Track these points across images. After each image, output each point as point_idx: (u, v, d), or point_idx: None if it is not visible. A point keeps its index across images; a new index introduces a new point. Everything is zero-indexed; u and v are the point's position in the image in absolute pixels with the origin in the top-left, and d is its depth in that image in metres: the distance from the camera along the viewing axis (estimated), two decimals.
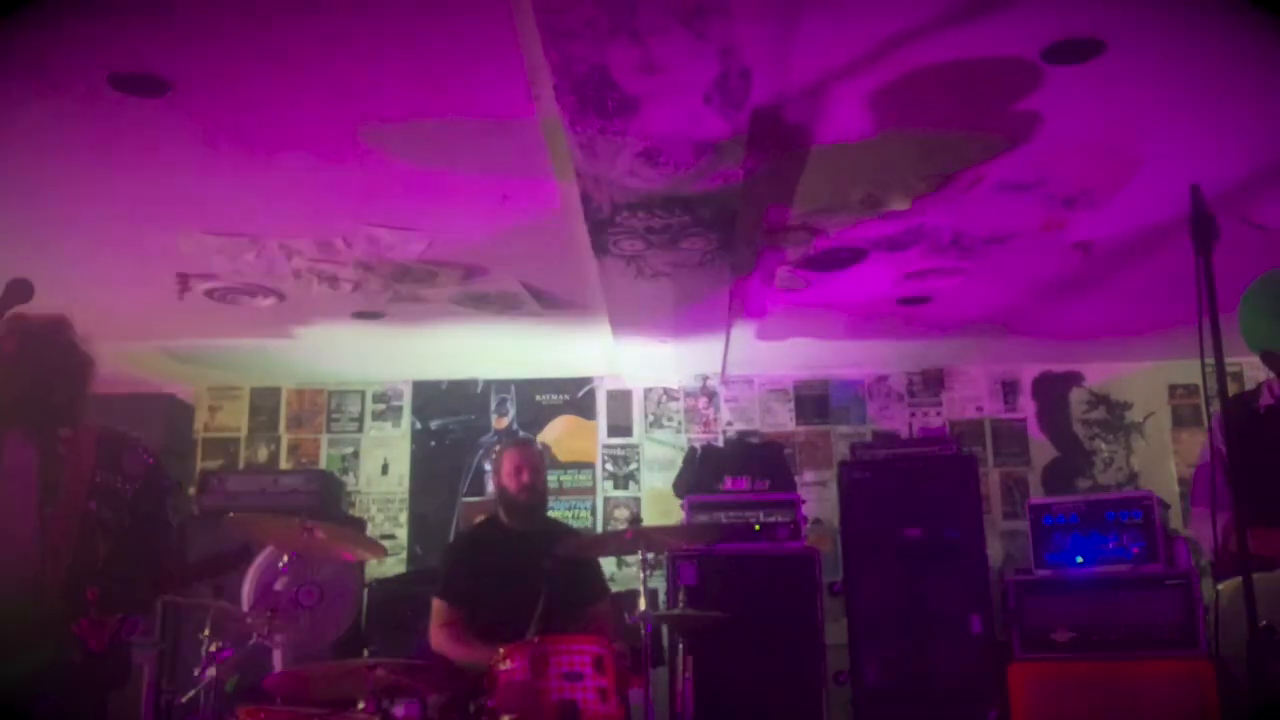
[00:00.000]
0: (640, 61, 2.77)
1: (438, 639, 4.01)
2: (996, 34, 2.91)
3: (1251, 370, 4.32)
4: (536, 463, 4.25)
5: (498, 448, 5.46)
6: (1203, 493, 2.97)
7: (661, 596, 5.30)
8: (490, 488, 5.70)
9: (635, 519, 5.82)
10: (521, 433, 6.28)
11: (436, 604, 4.06)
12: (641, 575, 3.68)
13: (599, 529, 6.10)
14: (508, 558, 4.08)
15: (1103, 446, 6.18)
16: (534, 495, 4.20)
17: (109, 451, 2.76)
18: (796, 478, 5.80)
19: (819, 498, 6.02)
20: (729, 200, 3.67)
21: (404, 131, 3.39)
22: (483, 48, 2.91)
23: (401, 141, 3.45)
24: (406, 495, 6.28)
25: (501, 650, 3.49)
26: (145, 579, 2.80)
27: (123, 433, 2.81)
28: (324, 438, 6.38)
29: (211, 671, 3.46)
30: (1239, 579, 2.11)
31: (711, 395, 6.35)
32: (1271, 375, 2.91)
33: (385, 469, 6.33)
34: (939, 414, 6.24)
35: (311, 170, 3.67)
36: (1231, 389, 2.23)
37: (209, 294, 4.84)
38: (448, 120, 3.31)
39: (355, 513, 6.14)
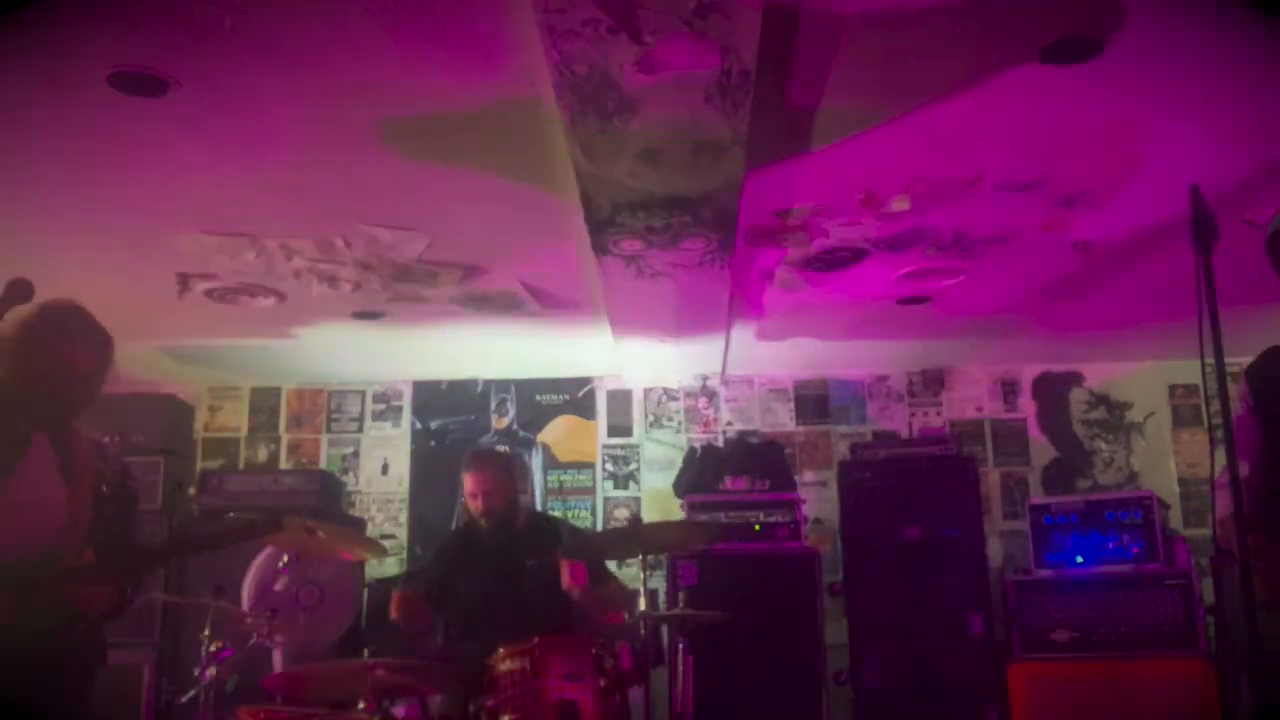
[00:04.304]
0: (640, 61, 2.77)
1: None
2: (996, 33, 2.91)
3: None
4: (490, 486, 4.26)
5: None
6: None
7: (661, 596, 5.30)
8: None
9: (635, 519, 5.82)
10: (521, 432, 6.28)
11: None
12: (642, 575, 3.69)
13: (599, 529, 6.09)
14: (486, 558, 4.19)
15: (1103, 446, 6.18)
16: (492, 518, 4.25)
17: (96, 447, 2.89)
18: (796, 478, 5.80)
19: (819, 498, 6.01)
20: (729, 200, 3.68)
21: (404, 131, 3.39)
22: (482, 46, 2.90)
23: (401, 141, 3.45)
24: (406, 495, 6.27)
25: (501, 650, 3.51)
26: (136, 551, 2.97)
27: (96, 437, 2.92)
28: (324, 438, 6.38)
29: (211, 671, 3.48)
30: None
31: (711, 395, 6.35)
32: None
33: (385, 469, 6.33)
34: (939, 414, 6.24)
35: (312, 170, 3.67)
36: (1231, 390, 2.23)
37: (209, 294, 4.84)
38: (447, 119, 3.31)
39: (355, 513, 6.14)
